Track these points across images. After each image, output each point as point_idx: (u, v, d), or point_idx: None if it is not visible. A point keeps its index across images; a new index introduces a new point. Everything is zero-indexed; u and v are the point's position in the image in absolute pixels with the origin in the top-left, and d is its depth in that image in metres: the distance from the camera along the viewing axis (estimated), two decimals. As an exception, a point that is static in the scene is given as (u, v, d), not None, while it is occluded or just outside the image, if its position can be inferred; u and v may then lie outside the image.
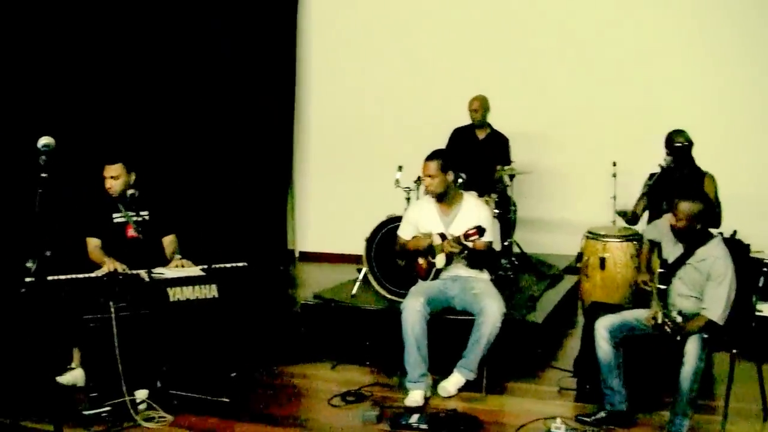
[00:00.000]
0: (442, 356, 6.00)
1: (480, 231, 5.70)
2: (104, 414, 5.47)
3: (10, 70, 8.42)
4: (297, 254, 11.19)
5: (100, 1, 9.03)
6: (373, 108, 10.48)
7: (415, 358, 5.76)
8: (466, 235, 5.72)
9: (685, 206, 5.25)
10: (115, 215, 6.31)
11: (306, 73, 10.92)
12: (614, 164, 8.37)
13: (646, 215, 7.02)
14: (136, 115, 9.21)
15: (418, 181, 7.45)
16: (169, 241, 6.48)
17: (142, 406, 5.59)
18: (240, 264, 6.22)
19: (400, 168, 7.79)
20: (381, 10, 10.47)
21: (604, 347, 5.36)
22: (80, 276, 5.94)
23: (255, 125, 10.41)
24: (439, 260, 6.00)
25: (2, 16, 8.33)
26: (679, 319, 5.07)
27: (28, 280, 5.66)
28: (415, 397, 5.74)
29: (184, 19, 9.83)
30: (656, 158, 6.90)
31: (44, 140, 4.46)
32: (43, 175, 4.18)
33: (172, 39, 9.71)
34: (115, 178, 6.26)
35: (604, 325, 5.40)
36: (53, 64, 8.65)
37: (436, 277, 6.10)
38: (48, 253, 4.04)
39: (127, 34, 9.28)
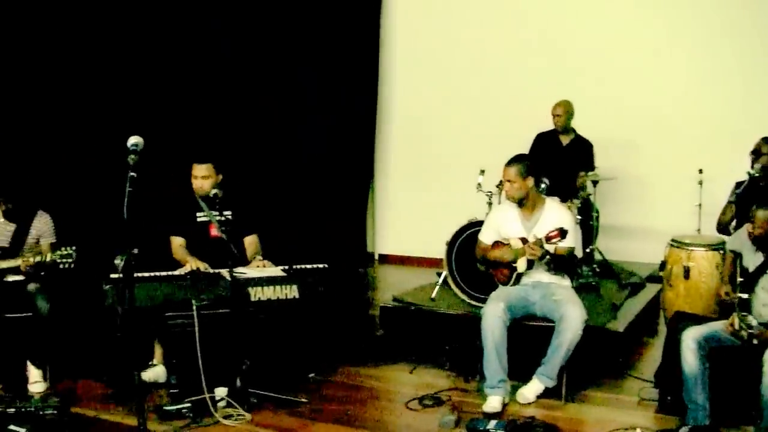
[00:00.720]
0: (521, 362, 5.94)
1: (562, 233, 5.64)
2: (184, 410, 5.54)
3: (102, 71, 8.61)
4: (376, 256, 11.20)
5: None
6: (456, 110, 10.43)
7: (494, 363, 5.72)
8: (548, 237, 5.67)
9: (763, 214, 5.15)
10: (198, 214, 6.39)
11: (389, 74, 10.92)
12: (700, 171, 8.24)
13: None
14: (220, 115, 9.31)
15: (500, 185, 7.40)
16: (250, 242, 6.54)
17: (221, 404, 5.66)
18: (321, 265, 6.24)
19: (482, 172, 7.75)
20: (466, 13, 10.43)
21: (690, 359, 5.24)
22: (163, 274, 6.04)
23: (337, 127, 10.44)
24: (521, 265, 5.95)
25: (94, 19, 8.51)
26: (755, 323, 4.98)
27: (114, 276, 5.80)
28: (493, 403, 5.69)
29: (270, 18, 9.90)
30: (744, 166, 6.77)
31: (133, 139, 4.51)
32: (132, 174, 4.23)
33: (255, 38, 9.79)
34: (205, 178, 6.34)
35: (691, 337, 5.28)
36: (143, 64, 8.81)
37: (516, 282, 6.05)
38: (136, 251, 4.09)
39: (217, 34, 9.40)
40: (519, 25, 10.13)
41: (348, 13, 10.43)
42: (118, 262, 4.13)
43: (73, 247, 6.18)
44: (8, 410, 5.63)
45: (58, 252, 6.17)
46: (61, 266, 6.17)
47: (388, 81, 10.91)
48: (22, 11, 8.20)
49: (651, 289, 8.07)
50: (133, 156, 4.37)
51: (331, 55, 10.33)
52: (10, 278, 6.47)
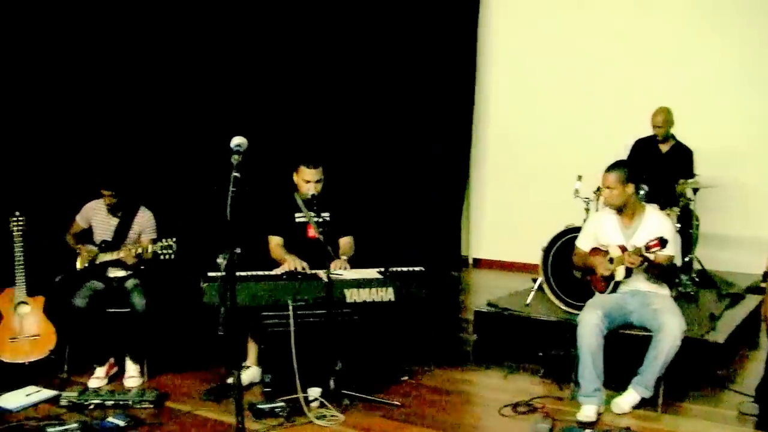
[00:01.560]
0: (617, 371, 5.84)
1: (662, 243, 5.53)
2: (278, 409, 5.58)
3: (211, 71, 8.76)
4: (471, 261, 11.18)
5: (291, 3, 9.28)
6: (553, 115, 10.36)
7: (589, 372, 5.63)
8: (648, 247, 5.56)
9: None
10: (296, 215, 6.44)
11: (486, 79, 10.89)
12: (805, 180, 8.05)
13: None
14: (319, 117, 9.39)
15: (598, 191, 7.31)
16: (344, 242, 6.56)
17: (314, 404, 5.68)
18: (417, 268, 6.24)
19: (579, 177, 7.67)
20: (563, 18, 10.35)
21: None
22: (260, 273, 6.10)
23: (433, 130, 10.44)
24: (619, 273, 5.85)
25: (203, 17, 8.67)
26: None
27: (212, 274, 5.88)
28: (587, 411, 5.60)
29: (369, 22, 9.94)
30: None
31: (237, 140, 4.56)
32: (236, 174, 4.27)
33: (355, 42, 9.84)
34: (320, 182, 6.37)
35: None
36: (250, 65, 8.95)
37: (614, 290, 5.96)
38: (238, 250, 4.13)
39: (317, 36, 9.48)
40: (617, 31, 10.02)
41: (446, 18, 10.43)
42: (221, 261, 4.17)
43: (174, 239, 6.29)
44: (106, 402, 5.77)
45: (159, 243, 6.29)
46: (161, 257, 6.29)
47: (484, 85, 10.88)
48: (137, 13, 8.40)
49: (751, 301, 7.88)
50: (236, 156, 4.41)
51: (428, 59, 10.33)
52: (112, 273, 6.63)
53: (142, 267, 6.57)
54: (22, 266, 6.49)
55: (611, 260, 5.87)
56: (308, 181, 6.36)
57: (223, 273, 4.35)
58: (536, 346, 6.79)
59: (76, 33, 8.03)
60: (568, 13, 10.32)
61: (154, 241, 6.43)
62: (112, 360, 6.52)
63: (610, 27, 10.06)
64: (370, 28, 9.99)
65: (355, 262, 6.49)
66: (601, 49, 10.07)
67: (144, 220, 6.68)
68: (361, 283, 5.92)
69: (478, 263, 11.13)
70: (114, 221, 6.64)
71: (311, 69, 9.48)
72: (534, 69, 10.53)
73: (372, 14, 10.01)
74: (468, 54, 10.73)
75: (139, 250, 6.36)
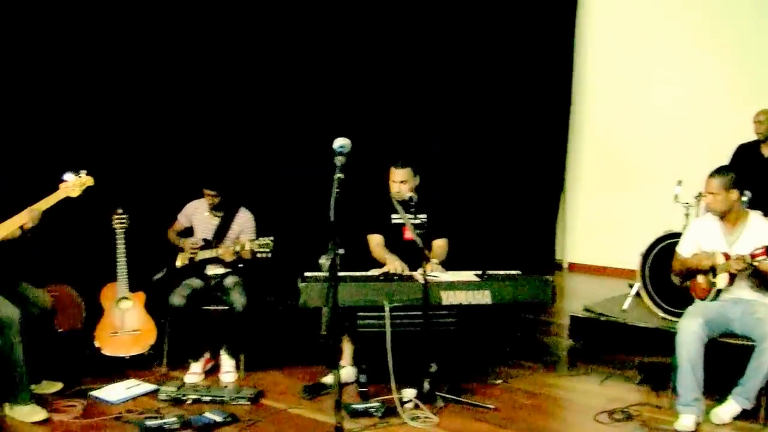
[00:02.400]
0: (717, 381, 5.71)
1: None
2: (372, 409, 5.60)
3: (308, 73, 8.87)
4: (566, 265, 11.08)
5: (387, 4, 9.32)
6: (653, 118, 10.17)
7: (689, 381, 5.51)
8: (753, 255, 5.43)
9: None
10: (393, 216, 6.46)
11: (583, 81, 10.77)
12: None
13: None
14: (416, 118, 9.40)
15: (699, 196, 7.17)
16: (438, 245, 6.55)
17: (409, 405, 5.68)
18: (513, 272, 6.21)
19: (679, 182, 7.53)
20: (661, 18, 10.18)
21: None
22: (357, 274, 6.13)
23: (529, 132, 10.37)
24: (721, 280, 5.72)
25: (305, 20, 8.79)
26: None
27: (314, 274, 5.93)
28: (685, 421, 5.49)
29: (463, 25, 9.92)
30: None
31: (340, 141, 4.58)
32: (339, 175, 4.29)
33: (449, 41, 9.84)
34: (404, 182, 6.39)
35: None
36: (348, 65, 9.03)
37: (715, 298, 5.84)
38: (342, 251, 4.16)
39: (415, 38, 9.51)
40: (716, 31, 9.80)
41: (543, 19, 10.35)
42: (323, 261, 4.20)
43: (271, 238, 6.37)
44: (204, 398, 5.85)
45: (257, 241, 6.39)
46: (258, 255, 6.38)
47: (581, 86, 10.76)
48: (241, 13, 8.55)
49: None
50: (340, 158, 4.44)
51: (524, 61, 10.26)
52: (211, 271, 6.73)
53: (240, 265, 6.66)
54: (124, 262, 6.64)
55: (714, 268, 5.75)
56: (394, 182, 6.40)
57: (326, 273, 4.37)
58: (634, 353, 6.71)
59: (184, 33, 8.21)
60: (669, 13, 10.13)
61: (252, 241, 6.52)
62: (207, 355, 6.62)
63: (711, 26, 9.85)
64: (467, 29, 9.97)
65: (449, 265, 6.49)
66: (704, 50, 9.86)
67: (244, 221, 6.78)
68: (458, 286, 5.91)
69: (573, 267, 11.02)
70: (215, 221, 6.76)
71: (411, 70, 9.51)
72: (633, 69, 10.36)
73: (468, 14, 9.99)
74: (565, 55, 10.63)
75: (238, 248, 6.46)
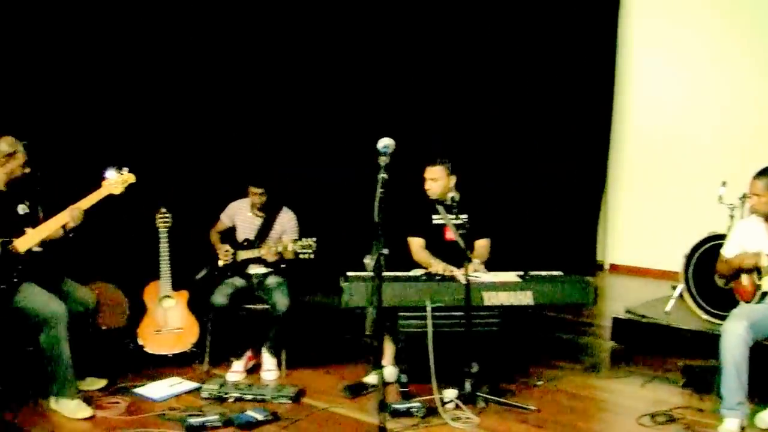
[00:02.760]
0: (762, 384, 5.66)
1: (815, 254, 5.36)
2: (414, 409, 5.59)
3: (351, 72, 8.91)
4: (607, 266, 11.02)
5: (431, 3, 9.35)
6: (697, 117, 10.08)
7: (733, 384, 5.45)
8: (800, 258, 5.39)
9: None
10: (434, 217, 6.45)
11: (625, 80, 10.69)
12: None
13: None
14: (457, 118, 9.41)
15: (744, 198, 7.10)
16: (480, 245, 6.54)
17: (450, 405, 5.67)
18: (555, 273, 6.19)
19: (723, 183, 7.45)
20: (707, 18, 10.08)
21: None
22: (399, 274, 6.14)
23: (571, 132, 10.32)
24: (767, 282, 5.68)
25: (344, 24, 8.84)
26: None
27: (351, 274, 5.94)
28: (730, 425, 5.42)
29: (504, 22, 9.91)
30: None
31: (384, 141, 4.59)
32: (383, 175, 4.30)
33: (489, 40, 9.83)
34: (434, 180, 6.40)
35: None
36: (390, 65, 9.06)
37: (761, 300, 5.77)
38: (386, 251, 4.17)
39: (457, 38, 9.52)
40: (762, 31, 9.69)
41: (585, 18, 10.29)
42: (368, 261, 4.22)
43: (314, 239, 6.39)
44: (245, 396, 5.88)
45: (299, 242, 6.41)
46: (301, 256, 6.40)
47: (624, 86, 10.68)
48: (286, 16, 8.62)
49: None
50: (384, 158, 4.45)
51: (565, 60, 10.21)
52: (253, 270, 6.76)
53: (282, 265, 6.68)
54: (167, 261, 6.69)
55: (759, 270, 5.70)
56: (425, 179, 6.41)
57: (370, 273, 4.38)
58: (676, 355, 6.66)
59: (231, 32, 8.29)
60: (715, 12, 10.04)
61: (295, 241, 6.55)
62: (249, 353, 6.65)
63: (759, 28, 9.75)
64: (509, 26, 9.95)
65: (491, 265, 6.49)
66: (749, 50, 9.76)
67: (286, 221, 6.81)
68: (500, 286, 5.90)
69: (614, 268, 10.95)
70: (257, 221, 6.79)
71: (454, 70, 9.53)
72: (677, 68, 10.27)
73: (509, 11, 9.97)
74: (607, 54, 10.56)
75: (280, 249, 6.49)
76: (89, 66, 7.65)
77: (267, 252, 6.55)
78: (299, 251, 6.40)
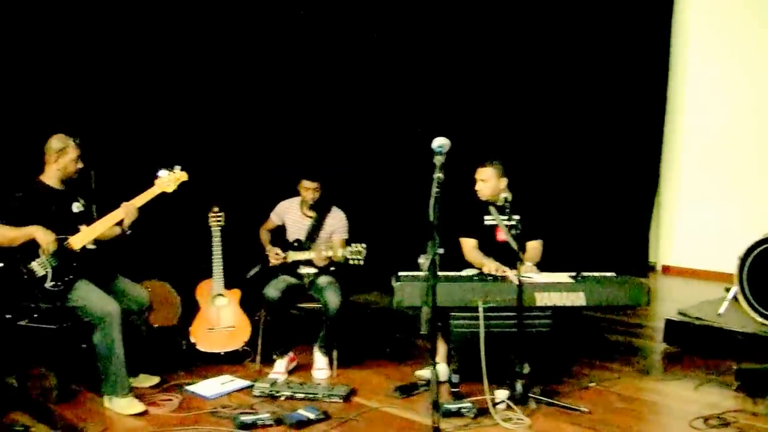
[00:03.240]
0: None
1: None
2: (465, 409, 5.57)
3: (404, 73, 8.94)
4: (659, 267, 10.92)
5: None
6: (750, 118, 9.96)
7: (789, 388, 5.42)
8: None
9: None
10: (486, 218, 6.43)
11: (679, 77, 10.59)
12: None
13: None
14: (507, 119, 9.39)
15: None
16: (532, 246, 6.51)
17: (501, 406, 5.64)
18: (608, 274, 6.15)
19: (779, 184, 7.38)
20: (760, 15, 9.96)
21: None
22: (451, 274, 6.12)
23: (623, 132, 10.26)
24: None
25: (403, 26, 8.87)
26: None
27: (403, 273, 5.94)
28: (784, 429, 5.40)
29: (554, 19, 9.87)
30: None
31: (439, 141, 4.57)
32: (439, 175, 4.29)
33: (542, 42, 9.80)
34: (485, 181, 6.39)
35: None
36: (442, 66, 9.07)
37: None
38: (441, 251, 4.16)
39: (508, 40, 9.51)
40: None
41: (638, 15, 10.22)
42: (423, 261, 4.21)
43: (364, 245, 6.39)
44: (297, 395, 5.90)
45: (349, 249, 6.41)
46: (351, 262, 6.41)
47: (678, 83, 10.58)
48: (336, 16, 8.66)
49: None
50: (439, 158, 4.44)
51: (618, 58, 10.15)
52: (303, 270, 6.78)
53: (332, 268, 6.69)
54: (220, 259, 6.73)
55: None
56: (476, 180, 6.40)
57: (423, 273, 4.37)
58: (729, 358, 6.58)
59: (284, 31, 8.34)
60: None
61: (347, 242, 6.56)
62: (292, 354, 6.66)
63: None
64: (561, 27, 9.91)
65: (542, 266, 6.46)
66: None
67: (336, 220, 6.82)
68: (552, 287, 5.87)
69: (667, 270, 10.86)
70: (307, 221, 6.81)
71: (506, 72, 9.52)
72: (733, 64, 10.14)
73: (561, 12, 9.93)
74: (660, 52, 10.48)
75: (330, 254, 6.49)
76: (144, 66, 7.73)
77: (317, 257, 6.55)
78: (349, 257, 6.41)
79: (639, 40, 10.21)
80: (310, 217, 6.82)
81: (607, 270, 6.34)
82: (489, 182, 6.38)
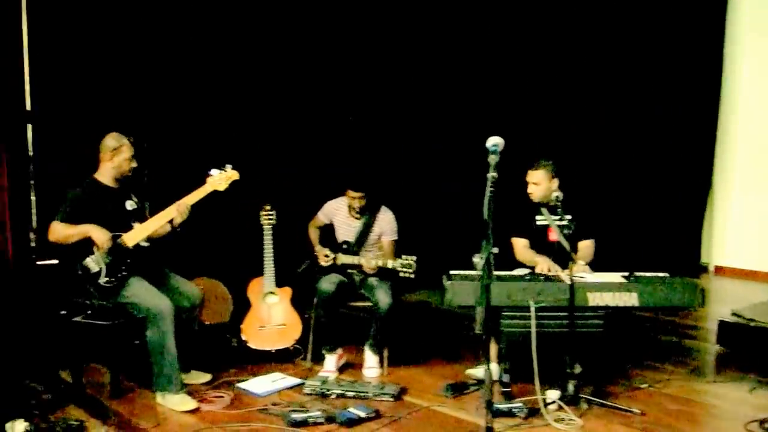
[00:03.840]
0: None
1: None
2: (516, 409, 5.55)
3: (454, 75, 8.95)
4: (712, 268, 10.81)
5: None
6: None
7: None
8: None
9: None
10: (537, 218, 6.40)
11: (732, 79, 10.48)
12: None
13: None
14: (559, 119, 9.35)
15: None
16: (584, 246, 6.47)
17: (552, 407, 5.61)
18: (661, 274, 6.09)
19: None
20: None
21: None
22: (503, 273, 6.10)
23: (676, 131, 10.17)
24: None
25: (457, 27, 8.88)
26: None
27: (454, 272, 5.92)
28: (842, 432, 5.32)
29: (606, 16, 9.81)
30: None
31: (494, 140, 4.56)
32: (493, 174, 4.27)
33: (592, 41, 9.74)
34: (537, 184, 6.34)
35: None
36: (492, 66, 9.08)
37: None
38: (496, 250, 4.14)
39: (560, 40, 9.47)
40: None
41: (690, 20, 10.12)
42: (477, 260, 4.19)
43: (414, 258, 6.36)
44: (347, 393, 5.91)
45: (400, 260, 6.38)
46: (400, 275, 6.39)
47: (732, 82, 10.45)
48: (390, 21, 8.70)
49: None
50: (493, 156, 4.42)
51: (670, 57, 10.06)
52: (352, 270, 6.78)
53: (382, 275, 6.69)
54: (271, 257, 6.77)
55: None
56: (527, 183, 6.37)
57: (475, 272, 4.34)
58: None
59: (334, 38, 8.40)
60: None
61: (396, 248, 6.59)
62: (341, 351, 6.67)
63: None
64: (614, 25, 9.84)
65: (594, 266, 6.41)
66: None
67: (385, 222, 6.80)
68: (605, 287, 5.82)
69: (720, 271, 10.74)
70: (356, 223, 6.79)
71: (558, 71, 9.47)
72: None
73: (614, 14, 9.86)
74: (714, 51, 10.37)
75: (380, 263, 6.47)
76: (199, 67, 7.79)
77: (366, 264, 6.53)
78: (399, 269, 6.38)
79: (693, 39, 10.12)
80: (358, 219, 6.80)
81: (659, 270, 6.26)
82: (541, 185, 6.34)
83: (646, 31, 9.96)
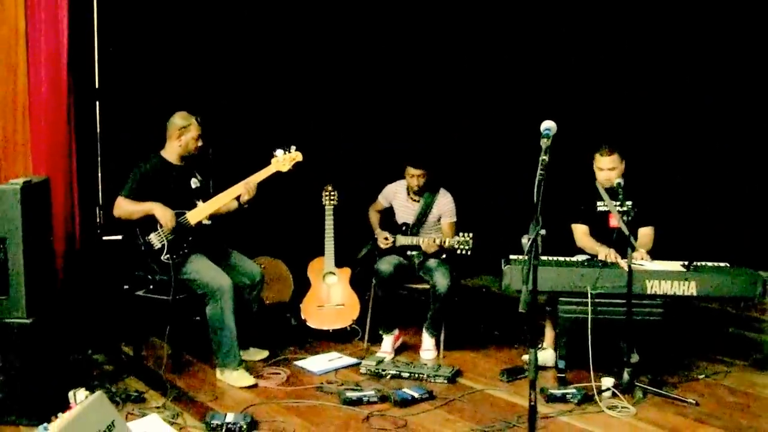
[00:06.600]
0: None
1: None
2: (569, 395, 5.54)
3: (515, 58, 8.91)
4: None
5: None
6: None
7: None
8: None
9: None
10: (598, 204, 6.34)
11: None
12: None
13: None
14: (620, 102, 9.24)
15: None
16: (644, 233, 6.36)
17: (606, 394, 5.60)
18: (722, 264, 6.00)
19: None
20: None
21: None
22: (561, 258, 6.07)
23: (744, 116, 9.96)
24: None
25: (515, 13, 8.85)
26: None
27: (514, 257, 5.92)
28: None
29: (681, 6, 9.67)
30: None
31: (547, 124, 4.54)
32: (544, 157, 4.26)
33: (662, 26, 9.60)
34: (612, 169, 6.22)
35: None
36: (555, 52, 9.01)
37: None
38: (543, 232, 4.13)
39: (627, 26, 9.35)
40: None
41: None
42: (525, 241, 4.18)
43: (471, 234, 6.39)
44: (403, 374, 5.96)
45: (457, 238, 6.42)
46: (458, 252, 6.42)
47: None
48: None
49: None
50: (545, 140, 4.42)
51: (744, 43, 9.87)
52: (411, 251, 6.81)
53: (443, 255, 6.70)
54: (331, 238, 6.83)
55: None
56: (601, 169, 6.26)
57: (527, 253, 4.34)
58: None
59: (398, 23, 8.41)
60: None
61: (455, 227, 6.59)
62: (397, 332, 6.72)
63: None
64: (689, 14, 9.69)
65: (654, 254, 6.34)
66: None
67: (443, 204, 6.80)
68: (663, 275, 5.75)
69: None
70: (414, 206, 6.81)
71: (621, 56, 9.36)
72: None
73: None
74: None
75: (438, 242, 6.50)
76: (266, 49, 7.89)
77: (426, 245, 6.57)
78: (456, 246, 6.41)
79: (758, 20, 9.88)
80: (417, 201, 6.83)
81: (723, 260, 6.17)
82: (617, 168, 6.21)
83: (721, 11, 9.74)
